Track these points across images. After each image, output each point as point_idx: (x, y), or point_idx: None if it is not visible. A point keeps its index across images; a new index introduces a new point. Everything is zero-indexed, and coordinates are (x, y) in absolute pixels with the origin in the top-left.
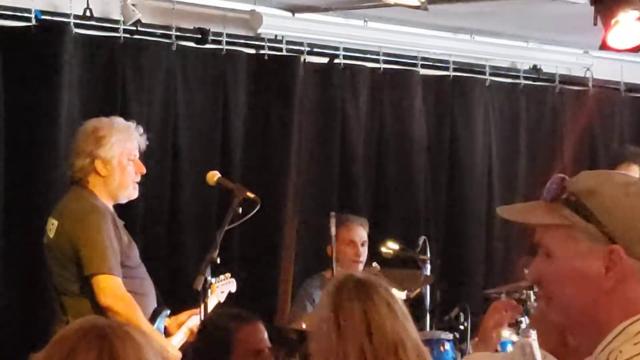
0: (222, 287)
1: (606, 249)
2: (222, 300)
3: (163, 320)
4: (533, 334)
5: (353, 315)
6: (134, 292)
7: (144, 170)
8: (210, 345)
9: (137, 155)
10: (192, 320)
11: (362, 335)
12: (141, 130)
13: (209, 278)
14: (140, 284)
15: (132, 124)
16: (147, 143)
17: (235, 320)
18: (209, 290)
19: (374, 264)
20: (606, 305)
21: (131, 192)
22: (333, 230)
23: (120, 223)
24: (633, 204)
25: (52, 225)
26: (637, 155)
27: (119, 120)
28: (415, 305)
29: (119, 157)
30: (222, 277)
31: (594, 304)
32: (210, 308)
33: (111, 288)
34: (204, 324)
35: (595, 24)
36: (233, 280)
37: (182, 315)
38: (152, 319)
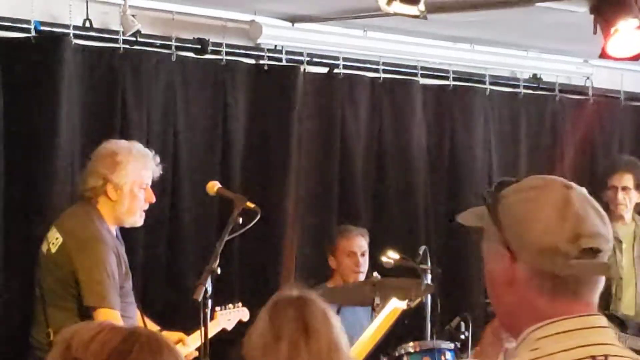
0: (228, 315)
1: (505, 251)
2: (229, 329)
3: None
4: None
5: (289, 318)
6: (126, 316)
7: (154, 199)
8: None
9: (149, 183)
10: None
11: (298, 336)
12: (158, 159)
13: (209, 288)
14: (129, 308)
15: (150, 153)
16: (162, 172)
17: None
18: (211, 317)
19: (375, 274)
20: (514, 307)
21: (137, 220)
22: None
23: (122, 250)
24: (525, 210)
25: (56, 239)
26: (630, 164)
27: (137, 147)
28: (416, 314)
29: (131, 184)
30: (230, 305)
31: (509, 307)
32: (211, 334)
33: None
34: None
35: (594, 33)
36: (245, 309)
37: (172, 337)
38: None
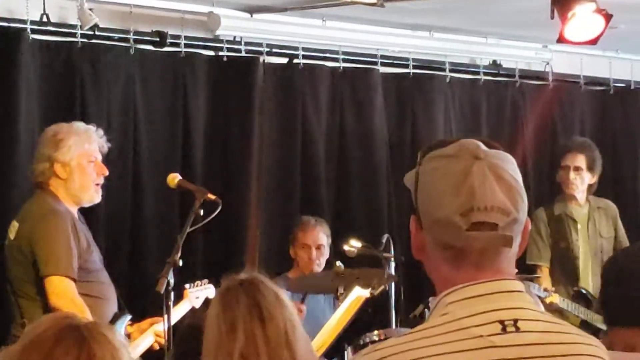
0: (196, 293)
1: (415, 218)
2: (197, 306)
3: (123, 325)
4: None
5: (240, 306)
6: (94, 296)
7: (106, 172)
8: (184, 345)
9: (99, 157)
10: (157, 326)
11: (253, 323)
12: (101, 132)
13: (171, 281)
14: (99, 288)
15: (91, 127)
16: (110, 145)
17: None
18: (173, 295)
19: (338, 263)
20: (432, 274)
21: (93, 195)
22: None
23: (82, 227)
24: (429, 179)
25: (14, 227)
26: (583, 145)
27: (78, 124)
28: (379, 302)
29: (77, 159)
30: (198, 282)
31: (429, 271)
32: (182, 313)
33: (63, 290)
34: (184, 326)
35: (552, 18)
36: (211, 286)
37: (144, 323)
38: (111, 323)
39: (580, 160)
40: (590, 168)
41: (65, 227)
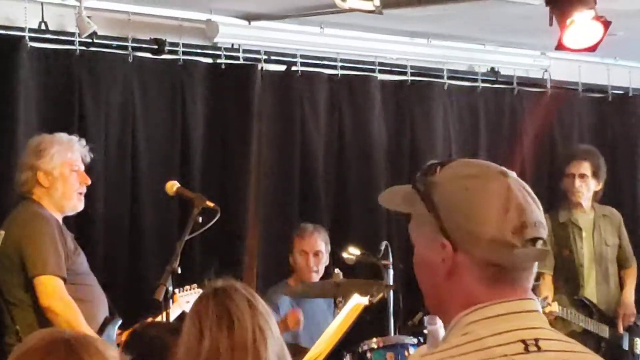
0: (186, 298)
1: (441, 241)
2: (187, 311)
3: (114, 329)
4: (439, 321)
5: (209, 314)
6: (81, 299)
7: (89, 181)
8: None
9: (82, 167)
10: None
11: (221, 331)
12: (84, 142)
13: (170, 288)
14: (86, 291)
15: (74, 137)
16: (92, 155)
17: (173, 334)
18: (171, 300)
19: (336, 270)
20: (447, 293)
21: (75, 204)
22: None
23: (68, 233)
24: (466, 201)
25: (0, 235)
26: (587, 152)
27: (60, 134)
28: (378, 310)
29: (60, 167)
30: (187, 287)
31: (439, 291)
32: (173, 317)
33: (52, 289)
34: (134, 332)
35: (550, 25)
36: (200, 291)
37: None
38: (103, 327)
39: (585, 168)
40: (595, 175)
41: (52, 229)
